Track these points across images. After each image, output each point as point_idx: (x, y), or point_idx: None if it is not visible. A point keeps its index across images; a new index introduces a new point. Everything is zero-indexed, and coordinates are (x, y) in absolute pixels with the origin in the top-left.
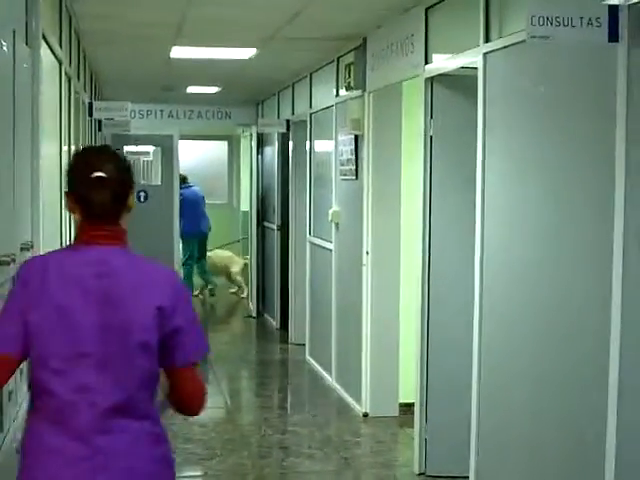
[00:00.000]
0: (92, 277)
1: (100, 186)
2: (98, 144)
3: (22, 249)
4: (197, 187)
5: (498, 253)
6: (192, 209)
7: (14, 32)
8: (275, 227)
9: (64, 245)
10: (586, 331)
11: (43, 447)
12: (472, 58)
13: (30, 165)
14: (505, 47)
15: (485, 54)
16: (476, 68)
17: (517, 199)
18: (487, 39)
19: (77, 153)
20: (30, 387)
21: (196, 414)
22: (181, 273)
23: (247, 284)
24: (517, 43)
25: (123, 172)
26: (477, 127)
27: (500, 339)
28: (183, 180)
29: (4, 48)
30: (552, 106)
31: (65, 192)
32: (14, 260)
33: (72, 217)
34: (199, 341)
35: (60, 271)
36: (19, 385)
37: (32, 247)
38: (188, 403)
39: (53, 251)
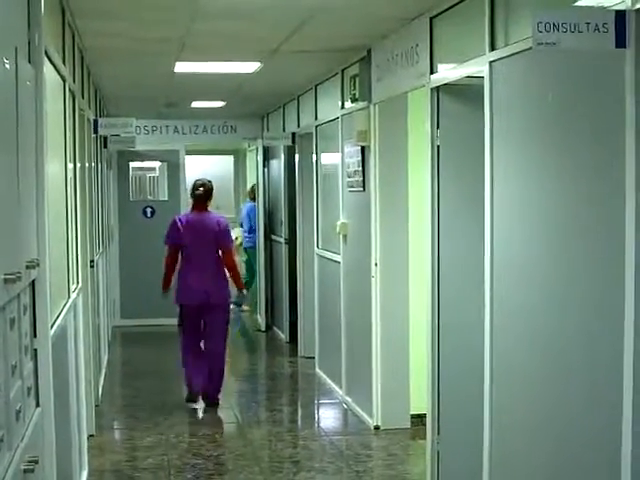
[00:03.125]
0: (198, 221)
1: (198, 195)
2: (104, 161)
3: (27, 267)
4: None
5: (508, 260)
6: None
7: (16, 49)
8: (283, 240)
9: (72, 261)
10: (599, 339)
11: (187, 272)
12: (478, 67)
13: (35, 183)
14: (511, 55)
15: (491, 62)
16: (482, 77)
17: (526, 208)
18: (493, 47)
19: (194, 182)
20: (183, 256)
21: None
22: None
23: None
24: (523, 51)
25: (205, 191)
26: (484, 136)
27: (513, 349)
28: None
29: (6, 66)
30: (560, 113)
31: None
32: (20, 278)
33: (81, 233)
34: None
35: (190, 219)
36: (27, 403)
37: (38, 265)
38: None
39: (185, 213)
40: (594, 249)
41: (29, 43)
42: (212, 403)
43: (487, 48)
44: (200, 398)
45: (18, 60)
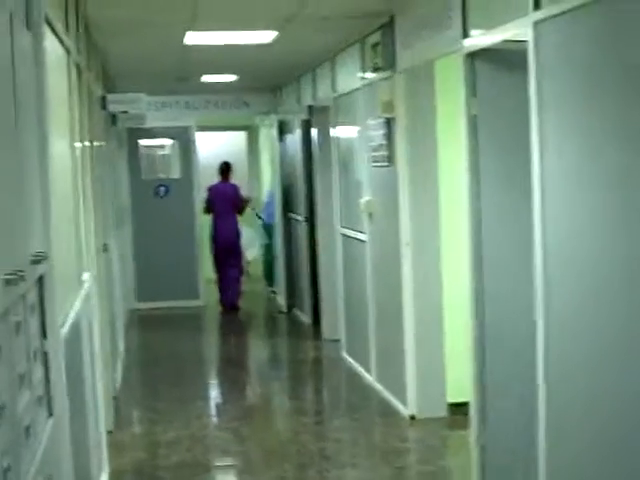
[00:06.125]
0: (222, 189)
1: (224, 169)
2: (114, 139)
3: (33, 262)
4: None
5: (561, 243)
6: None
7: (11, 15)
8: (302, 218)
9: (83, 247)
10: None
11: (216, 222)
12: (520, 29)
13: (39, 166)
14: (559, 14)
15: (536, 23)
16: (523, 41)
17: (585, 181)
18: (537, 6)
19: (220, 163)
20: (213, 210)
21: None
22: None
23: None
24: (574, 9)
25: (227, 167)
26: (529, 105)
27: (568, 326)
28: None
29: None
30: (616, 79)
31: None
32: (23, 277)
33: (92, 217)
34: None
35: (218, 187)
36: (38, 415)
37: (45, 258)
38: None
39: (214, 183)
40: None
41: (27, 9)
42: (233, 308)
43: (531, 7)
44: (227, 307)
45: (14, 25)
